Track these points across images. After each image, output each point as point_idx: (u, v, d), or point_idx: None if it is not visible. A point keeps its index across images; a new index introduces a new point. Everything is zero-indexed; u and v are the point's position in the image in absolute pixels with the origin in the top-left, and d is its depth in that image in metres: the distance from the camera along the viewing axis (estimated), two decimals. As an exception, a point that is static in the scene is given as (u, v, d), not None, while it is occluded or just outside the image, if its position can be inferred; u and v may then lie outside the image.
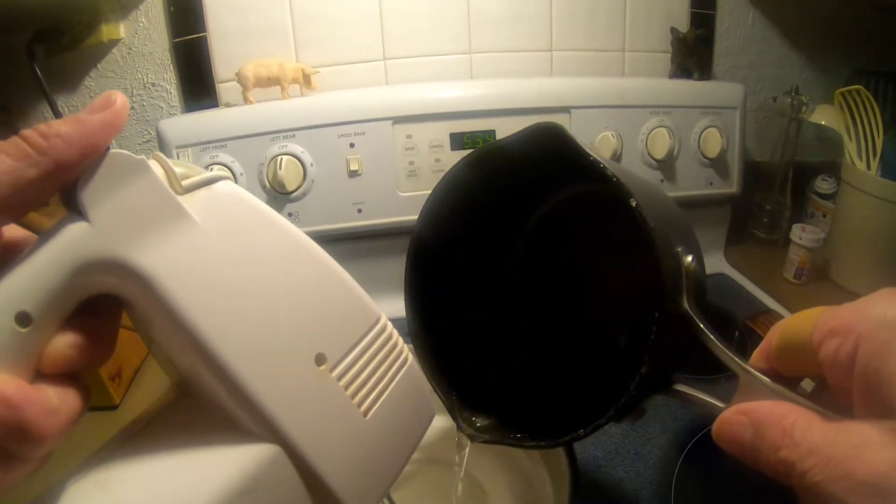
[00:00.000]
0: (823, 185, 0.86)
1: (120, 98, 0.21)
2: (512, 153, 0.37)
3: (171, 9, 0.73)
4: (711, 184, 0.78)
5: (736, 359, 0.27)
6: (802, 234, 0.76)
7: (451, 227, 0.41)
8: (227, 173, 0.24)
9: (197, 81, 0.74)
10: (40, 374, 0.20)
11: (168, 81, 0.76)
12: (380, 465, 0.26)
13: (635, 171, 0.74)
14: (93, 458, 0.22)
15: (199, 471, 0.22)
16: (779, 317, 0.73)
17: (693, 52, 0.78)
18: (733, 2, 0.84)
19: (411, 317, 0.40)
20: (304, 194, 0.67)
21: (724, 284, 0.81)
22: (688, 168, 0.76)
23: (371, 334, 0.26)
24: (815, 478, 0.20)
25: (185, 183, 0.22)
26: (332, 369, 0.24)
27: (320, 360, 0.23)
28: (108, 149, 0.21)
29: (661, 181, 0.76)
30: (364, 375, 0.25)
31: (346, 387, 0.24)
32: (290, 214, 0.68)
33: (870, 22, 0.86)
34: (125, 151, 0.21)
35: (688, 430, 0.55)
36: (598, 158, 0.31)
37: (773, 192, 0.84)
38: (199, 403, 0.23)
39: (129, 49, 0.75)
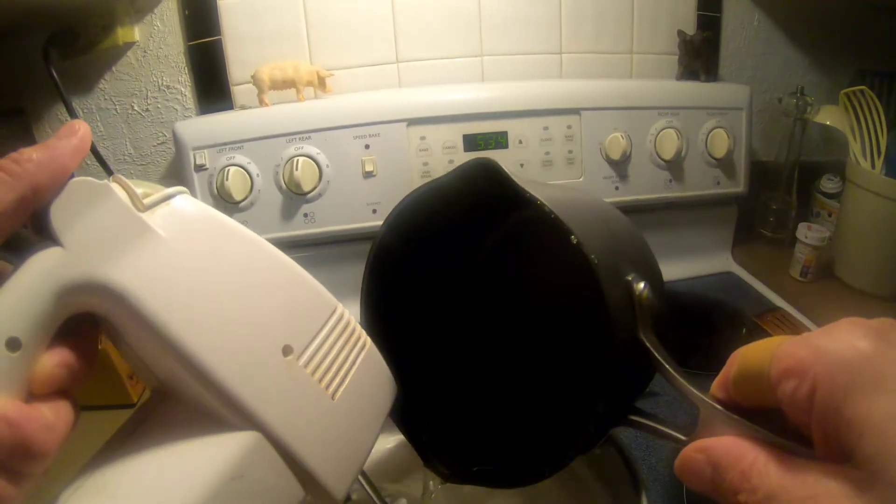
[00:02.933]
0: (829, 184, 0.88)
1: (83, 126, 0.24)
2: (452, 190, 0.36)
3: (186, 12, 0.73)
4: (719, 183, 0.79)
5: (693, 390, 0.25)
6: (808, 233, 0.77)
7: (411, 248, 0.40)
8: (185, 189, 0.25)
9: (212, 84, 0.75)
10: (32, 395, 0.21)
11: (183, 84, 0.76)
12: (351, 443, 0.28)
13: (644, 171, 0.75)
14: (86, 466, 0.23)
15: (189, 464, 0.23)
16: (786, 314, 0.74)
17: (700, 54, 0.80)
18: (739, 4, 0.85)
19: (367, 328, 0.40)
20: (319, 195, 0.68)
21: (731, 283, 0.82)
22: (696, 168, 0.77)
23: (330, 323, 0.28)
24: None
25: (146, 201, 0.23)
26: (298, 358, 0.26)
27: (287, 351, 0.25)
28: (73, 176, 0.23)
29: (670, 181, 0.77)
30: (328, 361, 0.27)
31: (313, 373, 0.26)
32: (305, 215, 0.69)
33: (874, 23, 0.87)
34: (88, 178, 0.23)
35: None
36: (535, 195, 0.30)
37: (779, 191, 0.85)
38: (181, 404, 0.25)
39: (144, 52, 0.76)
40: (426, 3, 0.75)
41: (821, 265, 0.78)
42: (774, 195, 0.86)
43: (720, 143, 0.76)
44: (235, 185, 0.66)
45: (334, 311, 0.28)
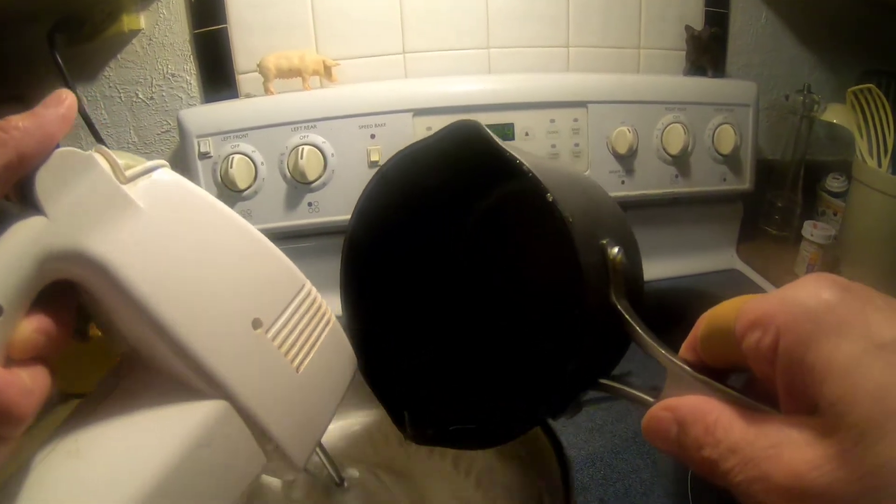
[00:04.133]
0: (834, 183, 0.87)
1: (70, 95, 0.24)
2: (435, 152, 0.36)
3: (192, 0, 0.73)
4: (725, 180, 0.79)
5: (661, 350, 0.26)
6: (814, 231, 0.77)
7: (387, 227, 0.40)
8: (165, 162, 0.26)
9: (217, 72, 0.75)
10: (10, 360, 0.22)
11: (188, 72, 0.76)
12: (313, 414, 0.30)
13: (650, 166, 0.75)
14: (58, 430, 0.24)
15: (160, 430, 0.24)
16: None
17: (707, 50, 0.79)
18: (746, 1, 0.84)
19: (348, 317, 0.40)
20: (324, 184, 0.68)
21: (736, 280, 0.82)
22: (702, 164, 0.77)
23: (298, 299, 0.29)
24: (737, 478, 0.19)
25: (128, 173, 0.24)
26: (267, 331, 0.27)
27: (257, 324, 0.26)
28: (58, 146, 0.23)
29: (676, 177, 0.76)
30: (294, 335, 0.28)
31: (280, 346, 0.27)
32: (309, 204, 0.68)
33: (882, 22, 0.87)
34: (73, 148, 0.23)
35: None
36: (515, 154, 0.30)
37: (784, 189, 0.85)
38: (153, 371, 0.26)
39: (150, 40, 0.75)
40: (433, -7, 0.75)
41: (826, 263, 0.78)
42: (780, 193, 0.86)
43: (727, 140, 0.76)
44: (240, 173, 0.65)
45: (303, 287, 0.29)
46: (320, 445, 0.38)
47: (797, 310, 0.19)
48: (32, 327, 0.22)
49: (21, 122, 0.22)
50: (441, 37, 0.76)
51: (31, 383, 0.21)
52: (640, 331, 0.27)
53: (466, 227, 0.45)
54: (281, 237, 0.71)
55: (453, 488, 0.44)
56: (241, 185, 0.66)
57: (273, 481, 0.43)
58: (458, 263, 0.46)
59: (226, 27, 0.74)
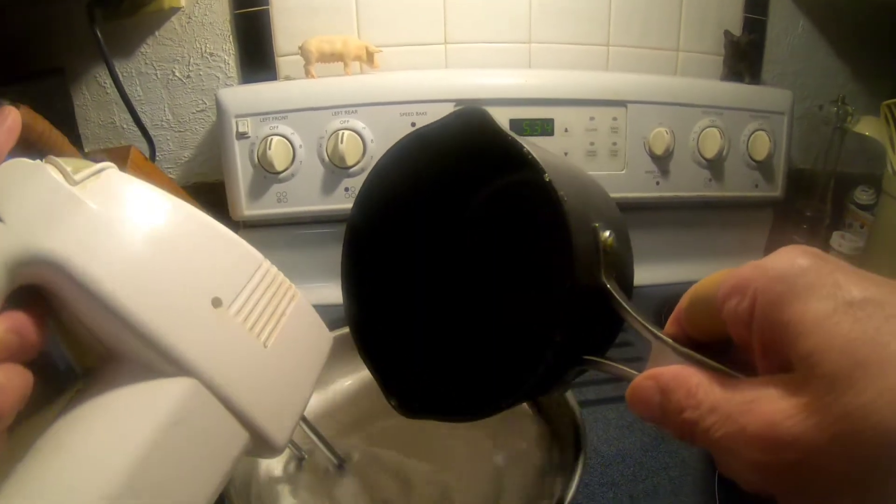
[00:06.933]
0: (863, 195, 0.87)
1: (13, 111, 0.26)
2: (440, 138, 0.37)
3: (235, -20, 0.73)
4: (757, 186, 0.79)
5: (646, 325, 0.27)
6: (842, 242, 0.77)
7: (389, 213, 0.41)
8: (112, 164, 0.28)
9: (256, 54, 0.75)
10: None
11: (227, 52, 0.76)
12: (287, 389, 0.30)
13: (685, 168, 0.75)
14: (46, 430, 0.25)
15: (133, 414, 0.25)
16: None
17: (745, 56, 0.80)
18: (785, 9, 0.85)
19: (348, 303, 0.41)
20: (362, 170, 0.67)
21: (762, 287, 0.82)
22: (735, 169, 0.77)
23: (257, 276, 0.30)
24: (716, 434, 0.20)
25: (76, 176, 0.25)
26: (228, 308, 0.28)
27: (216, 302, 0.27)
28: (8, 158, 0.25)
29: (710, 181, 0.76)
30: (258, 311, 0.29)
31: (244, 321, 0.28)
32: (346, 189, 0.68)
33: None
34: (23, 158, 0.25)
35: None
36: (519, 140, 0.31)
37: (814, 199, 0.85)
38: (125, 363, 0.26)
39: (189, 18, 0.75)
40: (477, -15, 0.75)
41: (854, 274, 0.78)
42: (809, 203, 0.86)
43: (761, 146, 0.76)
44: (278, 155, 0.65)
45: (260, 266, 0.30)
46: (315, 429, 0.40)
47: (772, 274, 0.20)
48: (4, 327, 0.23)
49: None
50: (483, 29, 0.76)
51: (4, 380, 0.22)
52: (625, 306, 0.28)
53: (463, 217, 0.46)
54: (316, 221, 0.71)
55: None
56: (279, 167, 0.66)
57: (272, 470, 0.43)
58: (454, 250, 0.47)
59: (268, 9, 0.74)
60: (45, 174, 0.25)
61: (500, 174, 0.44)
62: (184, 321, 0.26)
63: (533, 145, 0.32)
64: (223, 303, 0.27)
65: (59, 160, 0.25)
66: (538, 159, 0.30)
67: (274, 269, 0.31)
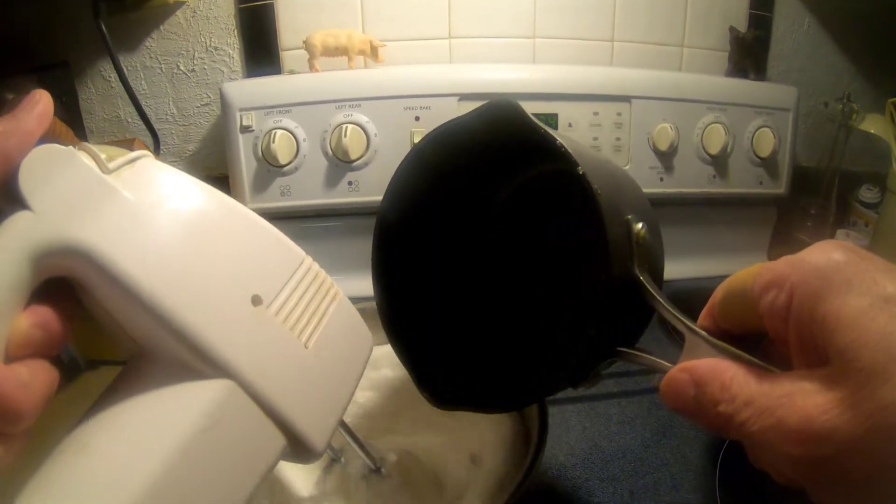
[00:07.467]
0: (867, 194, 0.87)
1: (45, 94, 0.25)
2: (470, 130, 0.37)
3: (239, -25, 0.73)
4: (761, 183, 0.78)
5: (680, 317, 0.27)
6: (847, 240, 0.77)
7: (418, 205, 0.41)
8: (148, 153, 0.26)
9: (261, 48, 0.75)
10: (9, 357, 0.21)
11: (231, 46, 0.76)
12: (328, 392, 0.29)
13: (689, 164, 0.75)
14: (74, 427, 0.24)
15: (166, 415, 0.24)
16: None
17: (750, 53, 0.79)
18: (790, 6, 0.84)
19: (380, 295, 0.41)
20: (366, 164, 0.68)
21: (766, 284, 0.81)
22: (740, 166, 0.77)
23: (298, 273, 0.28)
24: (752, 428, 0.21)
25: (111, 165, 0.24)
26: (268, 307, 0.26)
27: (256, 300, 0.26)
28: (39, 143, 0.23)
29: (714, 177, 0.76)
30: (299, 310, 0.27)
31: (284, 321, 0.26)
32: (350, 183, 0.68)
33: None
34: (54, 144, 0.23)
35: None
36: (551, 132, 0.31)
37: (818, 196, 0.85)
38: (159, 361, 0.25)
39: (194, 12, 0.75)
40: (481, -20, 0.75)
41: (858, 272, 0.78)
42: (813, 200, 0.86)
43: (766, 143, 0.76)
44: (281, 148, 0.65)
45: (302, 262, 0.28)
46: (351, 433, 0.37)
47: (809, 269, 0.21)
48: (29, 322, 0.22)
49: (2, 126, 0.23)
50: (487, 24, 0.76)
51: (29, 377, 0.21)
52: (659, 299, 0.28)
53: (492, 209, 0.46)
54: (319, 214, 0.71)
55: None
56: (283, 160, 0.66)
57: (299, 476, 0.41)
58: (484, 242, 0.47)
59: (272, 3, 0.74)
60: (78, 161, 0.23)
61: (525, 167, 0.44)
62: (222, 320, 0.24)
63: (564, 137, 0.31)
64: (263, 301, 0.26)
65: (93, 147, 0.24)
66: (571, 151, 0.29)
67: (316, 267, 0.29)
